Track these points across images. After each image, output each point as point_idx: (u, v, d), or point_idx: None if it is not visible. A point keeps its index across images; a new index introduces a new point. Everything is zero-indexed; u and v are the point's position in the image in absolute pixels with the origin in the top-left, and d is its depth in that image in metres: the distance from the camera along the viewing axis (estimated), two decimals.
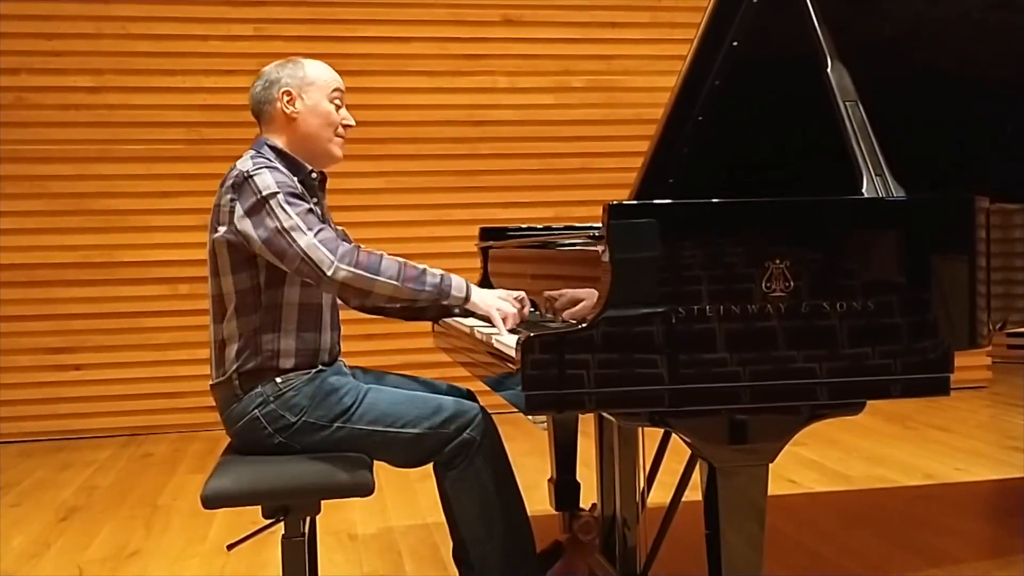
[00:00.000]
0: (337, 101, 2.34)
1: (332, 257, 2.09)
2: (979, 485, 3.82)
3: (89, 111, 5.19)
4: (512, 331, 2.16)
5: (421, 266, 2.18)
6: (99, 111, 5.20)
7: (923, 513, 3.44)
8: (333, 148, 2.35)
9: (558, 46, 5.63)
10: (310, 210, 2.16)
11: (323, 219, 2.28)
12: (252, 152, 2.28)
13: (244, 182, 2.15)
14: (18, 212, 5.13)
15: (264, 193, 2.12)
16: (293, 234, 2.10)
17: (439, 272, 2.20)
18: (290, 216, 2.11)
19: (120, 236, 5.24)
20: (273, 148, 2.29)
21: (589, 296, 1.98)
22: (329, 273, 2.08)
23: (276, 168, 2.19)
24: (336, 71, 2.38)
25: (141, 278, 5.25)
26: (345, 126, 2.36)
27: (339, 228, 2.45)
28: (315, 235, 2.10)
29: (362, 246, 2.15)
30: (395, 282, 2.12)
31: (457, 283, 2.21)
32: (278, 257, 2.13)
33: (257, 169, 2.16)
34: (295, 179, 2.24)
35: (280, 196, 2.12)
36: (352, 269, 2.09)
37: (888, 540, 3.11)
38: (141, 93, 5.22)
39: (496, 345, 2.08)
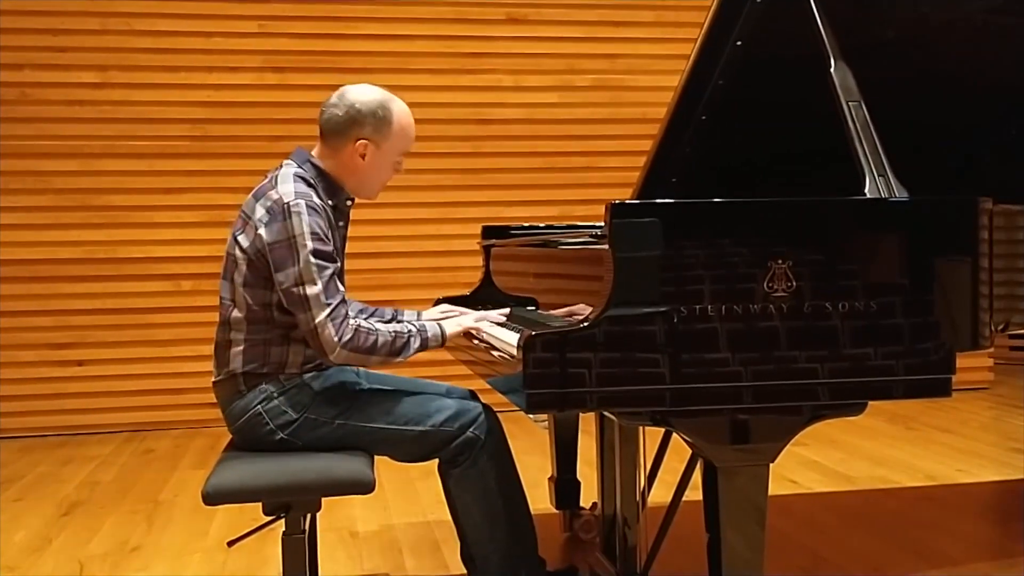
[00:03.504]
0: (402, 158, 2.33)
1: (336, 343, 2.11)
2: (981, 487, 3.82)
3: (93, 107, 5.19)
4: (514, 329, 2.16)
5: (405, 331, 2.20)
6: (103, 107, 5.20)
7: (924, 514, 3.44)
8: (371, 194, 2.37)
9: (562, 45, 5.63)
10: (333, 273, 2.14)
11: (338, 255, 2.27)
12: (295, 167, 2.25)
13: (282, 212, 2.13)
14: (21, 208, 5.13)
15: (297, 240, 2.11)
16: (310, 303, 2.11)
17: (416, 330, 2.23)
18: (315, 281, 2.10)
19: (123, 232, 5.24)
20: (316, 167, 2.27)
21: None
22: (331, 356, 2.14)
23: (315, 208, 2.15)
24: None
25: (144, 274, 5.25)
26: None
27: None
28: (330, 314, 2.11)
29: (360, 324, 2.15)
30: (385, 358, 2.18)
31: (433, 333, 2.25)
32: (290, 308, 2.15)
33: (297, 203, 2.13)
34: (330, 203, 2.24)
35: (311, 253, 2.10)
36: (350, 353, 2.14)
37: (889, 541, 3.11)
38: (145, 89, 5.22)
39: (498, 344, 2.09)
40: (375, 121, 2.25)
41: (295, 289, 2.11)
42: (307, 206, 2.13)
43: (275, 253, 2.13)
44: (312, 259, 2.10)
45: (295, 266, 2.11)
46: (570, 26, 5.62)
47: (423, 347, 2.23)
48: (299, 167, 2.26)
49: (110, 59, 5.20)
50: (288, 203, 2.13)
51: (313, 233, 2.12)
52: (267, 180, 2.25)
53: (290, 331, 2.21)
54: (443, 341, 2.26)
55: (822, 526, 3.30)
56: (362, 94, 2.27)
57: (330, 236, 2.18)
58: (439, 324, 2.27)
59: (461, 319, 2.33)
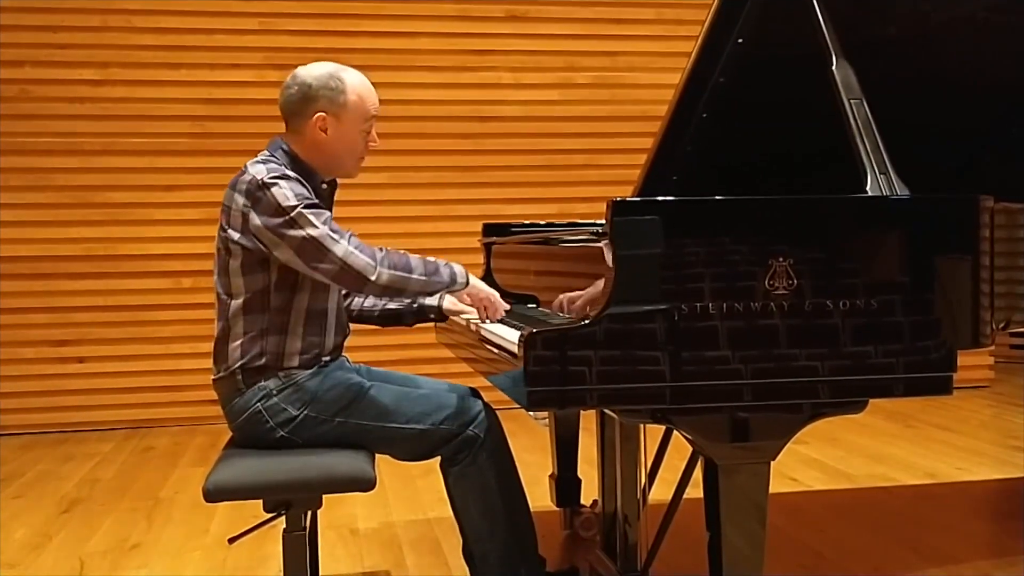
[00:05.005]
0: (368, 127, 2.31)
1: (373, 262, 2.12)
2: (981, 485, 3.82)
3: (93, 104, 5.19)
4: (515, 327, 2.16)
5: (431, 259, 2.24)
6: (103, 104, 5.20)
7: (924, 512, 3.44)
8: (351, 170, 2.35)
9: (563, 42, 5.62)
10: (329, 217, 2.16)
11: None
12: (266, 154, 2.27)
13: (260, 191, 2.14)
14: (21, 205, 5.13)
15: (285, 205, 2.11)
16: (325, 243, 2.10)
17: (446, 263, 2.26)
18: (317, 226, 2.11)
19: (123, 229, 5.24)
20: (288, 153, 2.28)
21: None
22: (373, 278, 2.12)
23: (290, 177, 2.17)
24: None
25: (144, 271, 5.25)
26: (369, 148, 2.34)
27: None
28: (348, 242, 2.12)
29: (383, 247, 2.18)
30: (424, 277, 2.19)
31: (459, 271, 2.28)
32: (310, 265, 2.13)
33: (272, 178, 2.14)
34: (308, 187, 2.24)
35: (302, 208, 2.12)
36: (392, 271, 2.14)
37: (889, 539, 3.11)
38: (145, 86, 5.22)
39: (499, 341, 2.08)
40: (329, 93, 2.25)
41: (304, 239, 2.10)
42: (281, 176, 2.16)
43: (271, 226, 2.12)
44: (305, 210, 2.12)
45: (294, 226, 2.10)
46: (570, 23, 5.62)
47: (452, 279, 2.25)
48: (271, 155, 2.27)
49: (111, 56, 5.19)
50: (263, 179, 2.14)
51: (297, 194, 2.13)
52: (241, 171, 2.26)
53: (288, 317, 2.21)
54: (467, 283, 2.29)
55: (822, 524, 3.30)
56: (312, 69, 2.29)
57: (313, 198, 2.19)
58: (464, 269, 2.31)
59: (490, 294, 2.35)
